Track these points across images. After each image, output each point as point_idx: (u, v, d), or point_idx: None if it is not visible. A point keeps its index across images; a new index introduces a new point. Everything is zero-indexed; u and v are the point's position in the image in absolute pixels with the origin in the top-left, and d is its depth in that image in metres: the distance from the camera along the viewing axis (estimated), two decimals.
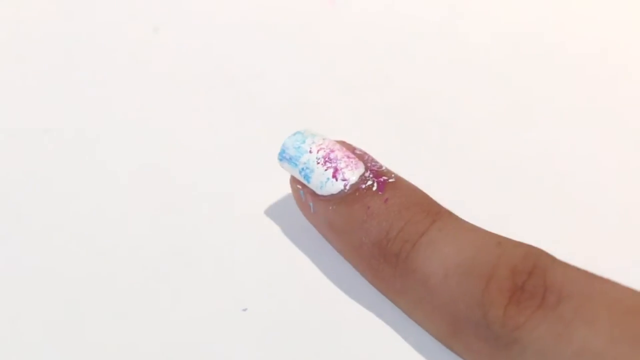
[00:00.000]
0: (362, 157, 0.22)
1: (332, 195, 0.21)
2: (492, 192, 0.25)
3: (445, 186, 0.25)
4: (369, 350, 0.22)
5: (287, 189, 0.25)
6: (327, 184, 0.21)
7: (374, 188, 0.21)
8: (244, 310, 0.23)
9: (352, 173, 0.21)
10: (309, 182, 0.22)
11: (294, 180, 0.23)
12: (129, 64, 0.30)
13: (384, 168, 0.22)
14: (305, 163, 0.22)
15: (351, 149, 0.23)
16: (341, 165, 0.21)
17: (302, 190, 0.22)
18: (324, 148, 0.22)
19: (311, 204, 0.22)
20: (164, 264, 0.24)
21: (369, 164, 0.22)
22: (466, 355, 0.20)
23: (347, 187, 0.21)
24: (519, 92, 0.29)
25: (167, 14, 0.31)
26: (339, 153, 0.22)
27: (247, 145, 0.27)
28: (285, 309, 0.23)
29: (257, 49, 0.30)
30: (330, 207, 0.22)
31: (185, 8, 0.31)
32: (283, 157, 0.23)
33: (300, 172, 0.22)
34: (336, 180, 0.21)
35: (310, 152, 0.22)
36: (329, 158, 0.22)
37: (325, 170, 0.21)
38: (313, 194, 0.22)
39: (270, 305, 0.23)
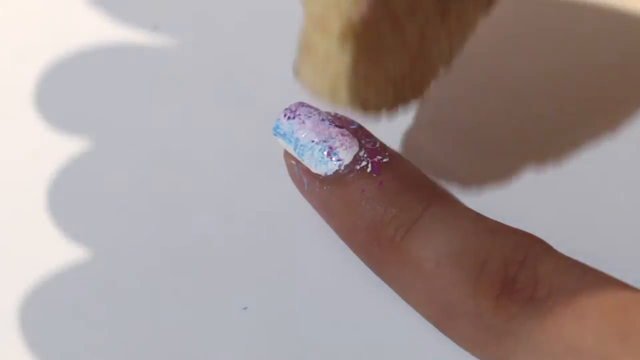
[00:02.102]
0: (357, 132, 0.22)
1: (326, 174, 0.21)
2: (493, 191, 0.25)
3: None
4: (370, 347, 0.22)
5: (286, 187, 0.25)
6: (320, 163, 0.21)
7: (369, 169, 0.21)
8: (244, 309, 0.23)
9: (346, 153, 0.21)
10: (302, 159, 0.21)
11: (287, 156, 0.22)
12: (128, 60, 0.30)
13: (377, 145, 0.21)
14: (299, 140, 0.21)
15: (346, 123, 0.22)
16: (335, 144, 0.21)
17: (296, 166, 0.22)
18: (318, 124, 0.21)
19: (305, 180, 0.22)
20: (164, 263, 0.24)
21: (363, 141, 0.21)
22: (460, 342, 0.19)
23: (342, 168, 0.21)
24: (520, 86, 0.28)
25: (167, 11, 0.30)
26: (333, 130, 0.21)
27: (247, 142, 0.27)
28: (286, 308, 0.22)
29: (258, 45, 0.30)
30: (325, 187, 0.21)
31: (185, 4, 0.31)
32: (277, 132, 0.22)
33: (294, 149, 0.22)
34: (330, 159, 0.21)
35: (305, 128, 0.21)
36: (323, 136, 0.21)
37: (319, 149, 0.21)
38: (307, 171, 0.21)
39: (270, 304, 0.23)
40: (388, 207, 0.20)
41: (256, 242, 0.24)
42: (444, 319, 0.19)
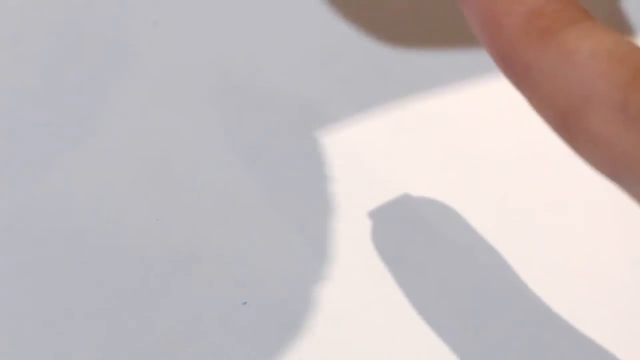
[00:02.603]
0: None
1: None
2: (492, 191, 0.26)
3: (447, 186, 0.25)
4: (369, 345, 0.22)
5: (286, 183, 0.25)
6: None
7: None
8: (244, 303, 0.23)
9: None
10: None
11: None
12: (128, 58, 0.30)
13: None
14: None
15: None
16: None
17: None
18: None
19: None
20: (164, 258, 0.24)
21: None
22: (583, 141, 0.19)
23: None
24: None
25: (166, 8, 0.30)
26: None
27: (247, 140, 0.27)
28: (285, 303, 0.23)
29: (257, 43, 0.30)
30: None
31: (185, 1, 0.31)
32: None
33: None
34: None
35: None
36: None
37: None
38: None
39: (270, 298, 0.23)
40: (552, 3, 0.19)
41: (256, 235, 0.24)
42: (575, 110, 0.19)
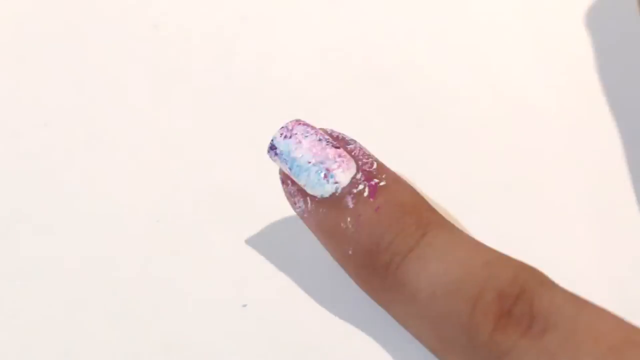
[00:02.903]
0: (353, 152, 0.21)
1: (323, 197, 0.21)
2: (491, 191, 0.25)
3: (444, 184, 0.25)
4: (368, 347, 0.22)
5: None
6: (317, 185, 0.21)
7: (365, 194, 0.20)
8: (244, 306, 0.23)
9: (343, 175, 0.21)
10: (298, 179, 0.21)
11: (284, 176, 0.22)
12: (128, 60, 0.30)
13: (375, 166, 0.21)
14: (295, 160, 0.21)
15: (343, 142, 0.22)
16: (332, 166, 0.21)
17: (291, 186, 0.22)
18: (315, 145, 0.21)
19: (301, 201, 0.21)
20: (164, 260, 0.24)
21: (359, 162, 0.21)
22: None
23: (338, 190, 0.20)
24: (520, 87, 0.29)
25: (167, 10, 0.30)
26: (331, 151, 0.21)
27: (248, 141, 0.27)
28: (285, 306, 0.23)
29: (258, 45, 0.30)
30: (320, 210, 0.21)
31: (185, 4, 0.31)
32: (273, 151, 0.22)
33: (290, 169, 0.21)
34: (327, 182, 0.21)
35: (301, 148, 0.21)
36: (320, 157, 0.21)
37: (316, 171, 0.21)
38: (303, 192, 0.21)
39: (270, 301, 0.23)
40: (384, 233, 0.20)
41: (256, 238, 0.24)
42: (440, 349, 0.20)
